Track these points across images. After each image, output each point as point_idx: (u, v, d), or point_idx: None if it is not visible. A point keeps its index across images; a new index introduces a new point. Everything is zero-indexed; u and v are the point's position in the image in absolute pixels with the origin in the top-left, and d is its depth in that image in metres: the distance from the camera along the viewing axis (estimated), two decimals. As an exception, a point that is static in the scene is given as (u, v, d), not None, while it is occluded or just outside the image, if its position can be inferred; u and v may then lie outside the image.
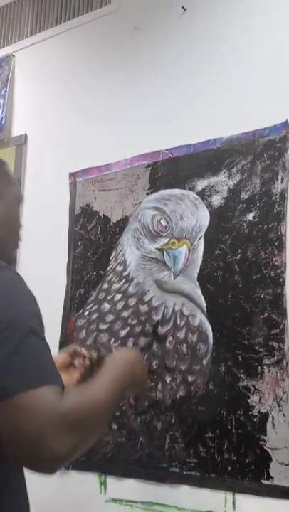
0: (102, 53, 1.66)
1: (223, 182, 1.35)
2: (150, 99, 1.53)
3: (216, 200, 1.36)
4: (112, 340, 1.46)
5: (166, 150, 1.46)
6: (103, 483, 1.42)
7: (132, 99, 1.57)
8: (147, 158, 1.50)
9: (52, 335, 1.53)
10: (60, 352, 1.22)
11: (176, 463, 1.31)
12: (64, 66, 1.74)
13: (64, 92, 1.72)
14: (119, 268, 1.49)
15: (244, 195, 1.32)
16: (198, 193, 1.39)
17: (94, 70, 1.66)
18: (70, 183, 1.65)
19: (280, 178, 1.27)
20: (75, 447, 0.78)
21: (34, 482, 1.51)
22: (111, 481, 1.41)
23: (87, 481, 1.44)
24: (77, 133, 1.66)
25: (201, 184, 1.39)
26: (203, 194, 1.39)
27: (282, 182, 1.27)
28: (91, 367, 1.17)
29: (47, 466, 0.77)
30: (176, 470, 1.30)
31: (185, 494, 1.28)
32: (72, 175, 1.65)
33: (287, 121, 1.28)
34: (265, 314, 1.24)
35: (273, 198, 1.27)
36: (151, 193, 1.47)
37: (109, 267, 1.51)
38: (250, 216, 1.30)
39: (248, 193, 1.31)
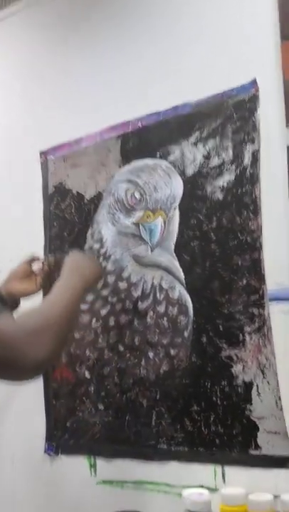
0: (65, 26, 1.60)
1: (194, 148, 1.31)
2: (115, 70, 1.47)
3: (189, 167, 1.31)
4: (94, 319, 1.42)
5: (135, 119, 1.41)
6: (93, 466, 1.39)
7: (97, 71, 1.51)
8: (117, 130, 1.45)
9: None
10: (19, 263, 1.36)
11: (164, 439, 1.27)
12: (27, 42, 1.68)
13: (27, 69, 1.66)
14: (96, 246, 1.45)
15: (216, 160, 1.27)
16: (170, 162, 1.35)
17: (57, 44, 1.60)
18: (41, 163, 1.60)
19: (251, 138, 1.22)
20: (47, 350, 0.92)
21: (25, 469, 1.50)
22: (101, 462, 1.38)
23: (77, 464, 1.41)
24: (45, 110, 1.61)
25: (173, 152, 1.34)
26: (175, 162, 1.34)
27: (253, 143, 1.22)
28: (50, 271, 1.33)
29: (26, 371, 0.93)
30: (164, 446, 1.27)
31: (174, 470, 1.25)
32: (43, 154, 1.60)
33: (255, 79, 1.23)
34: (244, 281, 1.20)
35: (246, 161, 1.22)
36: (124, 165, 1.43)
37: (86, 245, 1.47)
38: (223, 181, 1.25)
39: (220, 157, 1.26)
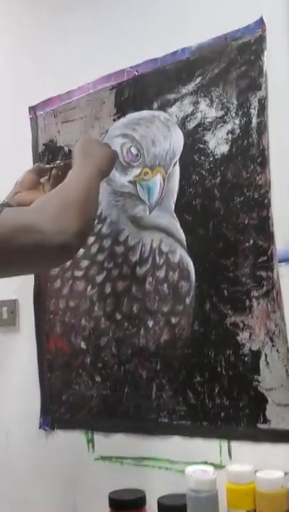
0: None
1: (195, 96, 1.19)
2: (107, 12, 1.34)
3: (190, 118, 1.19)
4: (89, 287, 1.33)
5: (131, 68, 1.29)
6: (90, 441, 1.31)
7: (87, 16, 1.38)
8: (111, 80, 1.33)
9: (26, 288, 1.41)
10: (24, 173, 1.28)
11: (165, 413, 1.19)
12: None
13: (14, 22, 1.53)
14: (90, 207, 1.34)
15: (220, 109, 1.15)
16: (169, 113, 1.23)
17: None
18: (30, 119, 1.48)
19: (257, 85, 1.10)
20: (72, 227, 0.89)
21: (20, 445, 1.42)
22: (98, 438, 1.30)
23: (74, 439, 1.33)
24: (33, 62, 1.48)
25: (172, 102, 1.22)
26: (174, 113, 1.22)
27: (260, 89, 1.10)
28: (59, 177, 1.23)
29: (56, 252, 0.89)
30: (166, 420, 1.19)
31: (177, 446, 1.17)
32: (32, 109, 1.48)
33: (262, 18, 1.10)
34: (251, 241, 1.09)
35: (252, 109, 1.11)
36: (118, 118, 1.31)
37: (80, 206, 1.36)
38: (228, 132, 1.14)
39: (224, 106, 1.15)
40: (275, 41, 1.09)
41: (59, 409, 1.37)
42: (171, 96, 1.22)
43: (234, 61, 1.14)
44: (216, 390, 1.12)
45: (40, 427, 1.40)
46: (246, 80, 1.12)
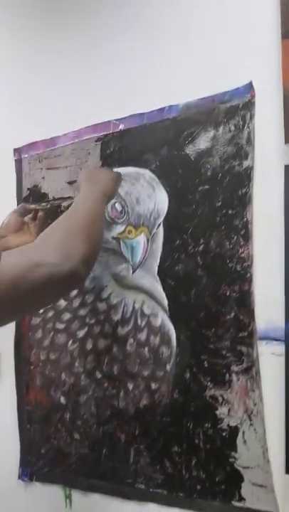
0: (47, 17, 1.42)
1: (181, 159, 1.16)
2: (96, 61, 1.31)
3: (175, 181, 1.17)
4: (70, 341, 1.31)
5: (116, 120, 1.26)
6: (68, 497, 1.30)
7: (76, 67, 1.35)
8: (96, 130, 1.30)
9: (7, 336, 1.39)
10: (9, 215, 1.27)
11: (142, 479, 1.18)
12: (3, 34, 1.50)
13: (5, 61, 1.49)
14: (73, 259, 1.32)
15: (205, 175, 1.12)
16: (154, 172, 1.20)
17: (36, 36, 1.43)
18: (15, 161, 1.45)
19: (243, 153, 1.07)
20: (78, 254, 0.89)
21: (0, 494, 1.41)
22: (76, 494, 1.29)
23: (52, 493, 1.32)
24: (21, 105, 1.45)
25: (158, 161, 1.19)
26: (159, 173, 1.19)
27: (247, 158, 1.07)
28: (45, 217, 1.27)
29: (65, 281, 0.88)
30: (143, 487, 1.17)
31: (153, 512, 1.16)
32: (16, 151, 1.45)
33: (251, 83, 1.07)
34: (232, 314, 1.07)
35: (238, 178, 1.08)
36: (104, 172, 1.28)
37: (63, 257, 1.34)
38: (212, 199, 1.11)
39: (209, 171, 1.12)
40: (265, 108, 1.05)
41: (38, 462, 1.36)
42: (157, 154, 1.19)
43: (221, 125, 1.11)
44: (193, 462, 1.10)
45: (19, 478, 1.39)
46: (233, 146, 1.09)
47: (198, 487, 1.09)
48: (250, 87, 1.07)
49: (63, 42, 1.37)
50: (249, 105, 1.07)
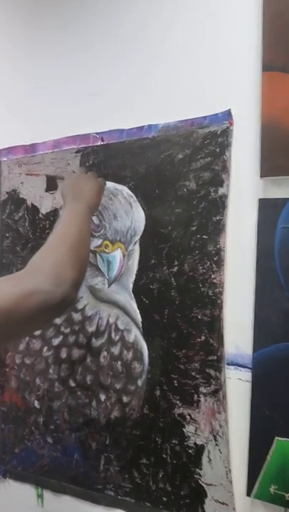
0: (29, 23, 1.39)
1: (159, 179, 1.16)
2: (79, 72, 1.29)
3: (152, 201, 1.18)
4: (45, 348, 1.33)
5: (96, 134, 1.25)
6: (40, 496, 1.35)
7: (60, 71, 1.33)
8: (76, 142, 1.29)
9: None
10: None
11: (112, 486, 1.23)
12: None
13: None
14: (50, 267, 1.33)
15: (182, 198, 1.13)
16: (132, 190, 1.21)
17: (20, 40, 1.40)
18: (-5, 163, 1.45)
19: (219, 180, 1.08)
20: (69, 280, 0.90)
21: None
22: (48, 494, 1.34)
23: (25, 491, 1.37)
24: (5, 106, 1.43)
25: (136, 179, 1.20)
26: (137, 191, 1.20)
27: (222, 186, 1.08)
28: None
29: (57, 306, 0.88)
30: (112, 493, 1.23)
31: (120, 518, 1.21)
32: (-4, 154, 1.44)
33: (229, 110, 1.07)
34: (202, 338, 1.10)
35: (213, 205, 1.09)
36: (82, 184, 1.28)
37: (40, 265, 1.35)
38: (188, 223, 1.12)
39: (185, 195, 1.13)
40: (242, 139, 1.06)
41: (11, 461, 1.40)
42: (135, 171, 1.20)
43: (199, 150, 1.11)
44: (160, 475, 1.15)
45: (-8, 474, 1.43)
46: (209, 173, 1.10)
47: (164, 499, 1.15)
48: (228, 114, 1.07)
49: (51, 49, 1.35)
50: (227, 133, 1.08)
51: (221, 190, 1.08)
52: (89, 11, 1.27)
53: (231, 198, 1.07)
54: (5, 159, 1.42)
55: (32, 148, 1.37)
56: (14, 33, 1.41)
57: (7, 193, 1.42)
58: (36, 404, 1.35)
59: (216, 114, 1.09)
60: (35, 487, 1.36)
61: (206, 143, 1.10)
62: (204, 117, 1.11)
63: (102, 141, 1.24)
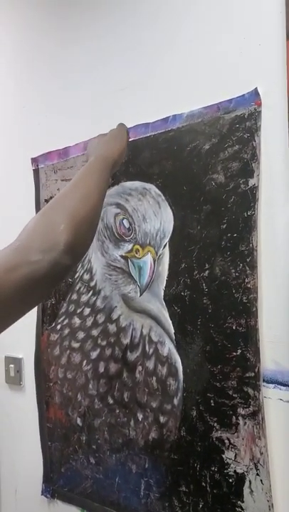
0: (61, 25, 1.33)
1: (186, 174, 1.05)
2: (101, 69, 1.21)
3: (180, 198, 1.06)
4: (85, 361, 1.26)
5: (123, 130, 1.16)
6: (86, 520, 1.27)
7: (84, 68, 1.26)
8: (104, 141, 1.20)
9: (30, 347, 1.36)
10: None
11: (152, 514, 1.12)
12: (18, 41, 1.43)
13: (21, 68, 1.43)
14: (86, 276, 1.26)
15: (210, 194, 1.01)
16: (159, 188, 1.10)
17: (51, 44, 1.35)
18: (33, 171, 1.40)
19: (249, 171, 0.94)
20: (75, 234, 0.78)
21: (26, 507, 1.41)
22: (93, 518, 1.26)
23: (72, 513, 1.30)
24: (34, 113, 1.38)
25: (163, 177, 1.09)
26: (165, 189, 1.09)
27: (252, 176, 0.94)
28: None
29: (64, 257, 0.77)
30: (153, 523, 1.12)
31: None
32: (34, 161, 1.39)
33: (256, 90, 0.93)
34: (238, 351, 0.96)
35: (243, 198, 0.95)
36: (112, 185, 1.19)
37: (77, 274, 1.28)
38: (217, 220, 0.99)
39: (213, 190, 1.00)
40: (272, 120, 0.92)
41: (58, 481, 1.34)
42: (161, 168, 1.09)
43: (226, 138, 0.98)
44: (200, 505, 1.03)
45: (42, 494, 1.37)
46: (238, 163, 0.96)
47: (206, 533, 1.02)
48: (255, 94, 0.93)
49: (74, 56, 1.28)
50: (255, 115, 0.94)
51: (251, 182, 0.94)
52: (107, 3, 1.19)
53: (263, 190, 0.93)
54: (42, 166, 1.37)
55: (65, 152, 1.31)
56: (39, 33, 1.36)
57: (46, 200, 1.37)
58: (79, 421, 1.27)
59: (242, 95, 0.95)
60: (81, 510, 1.28)
61: (233, 129, 0.97)
62: (230, 100, 0.97)
63: (129, 136, 1.14)
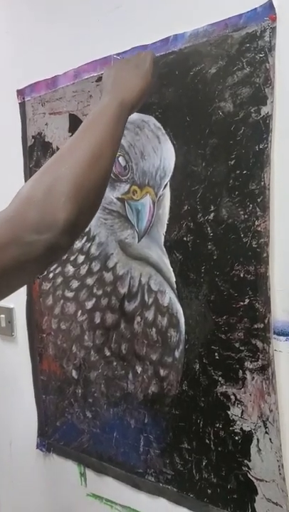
0: None
1: (189, 103, 0.93)
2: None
3: (182, 131, 0.94)
4: (80, 312, 1.17)
5: (117, 55, 1.03)
6: (83, 475, 1.22)
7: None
8: (96, 68, 1.08)
9: (21, 297, 1.28)
10: None
11: (152, 471, 1.06)
12: None
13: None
14: (80, 220, 1.15)
15: (217, 125, 0.89)
16: (159, 120, 0.98)
17: None
18: (19, 104, 1.27)
19: (262, 97, 0.83)
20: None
21: (21, 459, 1.37)
22: (90, 474, 1.21)
23: (68, 468, 1.25)
24: (18, 38, 1.25)
25: (163, 106, 0.97)
26: (165, 121, 0.97)
27: (265, 104, 0.82)
28: None
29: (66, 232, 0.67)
30: (153, 480, 1.06)
31: (163, 508, 1.04)
32: (19, 93, 1.27)
33: (271, 2, 0.80)
34: (246, 301, 0.87)
35: (254, 129, 0.84)
36: (106, 118, 1.07)
37: (69, 218, 1.18)
38: (225, 156, 0.88)
39: (220, 120, 0.88)
40: (288, 37, 0.79)
41: (54, 435, 1.28)
42: (161, 96, 0.97)
43: (235, 59, 0.86)
44: (204, 463, 0.96)
45: (37, 447, 1.32)
46: (248, 88, 0.84)
47: (209, 491, 0.96)
48: (269, 7, 0.81)
49: None
50: (268, 32, 0.81)
51: (264, 110, 0.83)
52: None
53: (277, 120, 0.81)
54: (29, 98, 1.25)
55: (53, 81, 1.18)
56: None
57: (33, 137, 1.25)
58: (74, 374, 1.20)
59: (254, 8, 0.82)
60: (77, 464, 1.23)
61: (243, 49, 0.85)
62: (239, 15, 0.84)
63: (155, 71, 1.01)
